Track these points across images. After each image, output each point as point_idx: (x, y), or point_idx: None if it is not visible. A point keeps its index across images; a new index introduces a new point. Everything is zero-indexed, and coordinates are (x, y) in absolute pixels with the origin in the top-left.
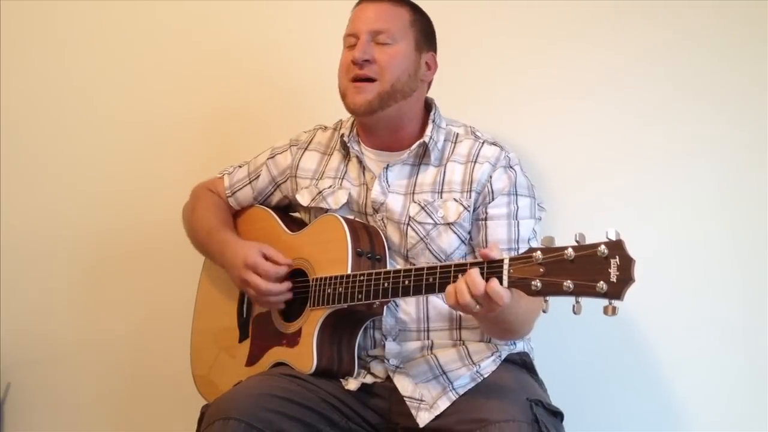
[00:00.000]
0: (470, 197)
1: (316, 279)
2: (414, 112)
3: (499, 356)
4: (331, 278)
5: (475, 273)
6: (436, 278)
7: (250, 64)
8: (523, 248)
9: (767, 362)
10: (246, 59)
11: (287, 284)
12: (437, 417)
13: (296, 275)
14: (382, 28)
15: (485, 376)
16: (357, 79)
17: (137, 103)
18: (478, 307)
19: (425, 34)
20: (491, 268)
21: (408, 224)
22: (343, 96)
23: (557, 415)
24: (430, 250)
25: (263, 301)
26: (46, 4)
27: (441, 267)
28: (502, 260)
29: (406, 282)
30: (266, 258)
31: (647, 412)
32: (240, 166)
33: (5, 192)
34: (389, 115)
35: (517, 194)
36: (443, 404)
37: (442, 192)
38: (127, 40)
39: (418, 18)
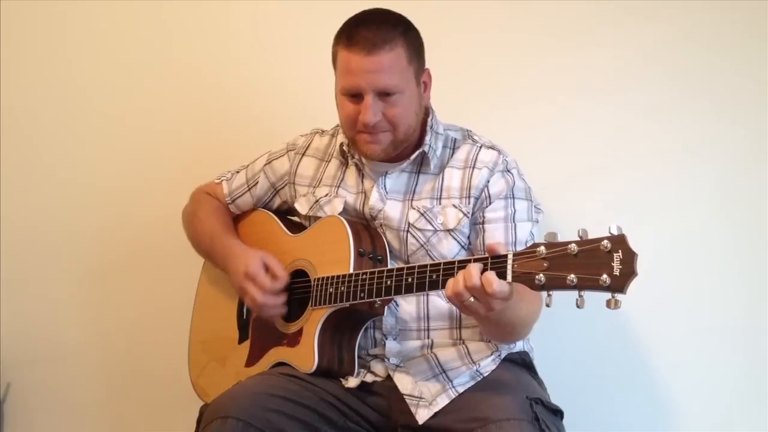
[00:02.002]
0: (469, 203)
1: (318, 279)
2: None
3: (499, 356)
4: (332, 278)
5: (473, 266)
6: (439, 275)
7: (249, 66)
8: None
9: (767, 362)
10: (245, 60)
11: (282, 298)
12: (436, 414)
13: (298, 276)
14: (386, 86)
15: (485, 374)
16: (369, 133)
17: (137, 103)
18: (472, 299)
19: (419, 58)
20: (495, 264)
21: (408, 231)
22: (353, 143)
23: (557, 413)
24: (430, 256)
25: (259, 311)
26: (46, 4)
27: (444, 263)
28: (505, 255)
29: (409, 279)
30: (267, 268)
31: (647, 411)
32: (237, 172)
33: (5, 192)
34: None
35: (514, 197)
36: (442, 401)
37: (441, 198)
38: (127, 41)
39: (412, 48)
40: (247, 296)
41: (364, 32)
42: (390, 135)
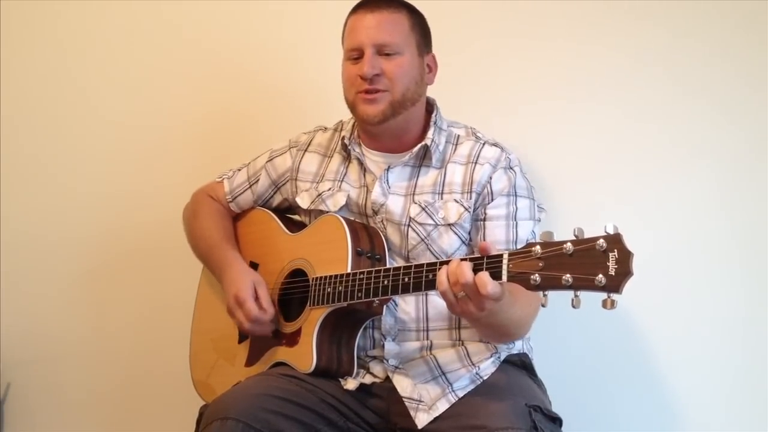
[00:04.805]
0: (471, 198)
1: (316, 278)
2: (418, 115)
3: (498, 357)
4: (330, 277)
5: (463, 264)
6: (436, 274)
7: (250, 65)
8: None
9: (767, 362)
10: (247, 60)
11: (268, 327)
12: (436, 419)
13: (296, 275)
14: (386, 41)
15: (484, 378)
16: (367, 92)
17: (138, 104)
18: (454, 296)
19: (424, 35)
20: (490, 263)
21: (409, 225)
22: (353, 107)
23: (556, 420)
24: (431, 251)
25: (246, 332)
26: (46, 4)
27: (441, 263)
28: (501, 255)
29: (406, 279)
30: (257, 296)
31: (647, 412)
32: (239, 170)
33: (5, 192)
34: (398, 122)
35: (516, 195)
36: (442, 406)
37: (442, 193)
38: (128, 41)
39: (416, 21)
40: (234, 319)
41: (371, 2)
42: (389, 95)
